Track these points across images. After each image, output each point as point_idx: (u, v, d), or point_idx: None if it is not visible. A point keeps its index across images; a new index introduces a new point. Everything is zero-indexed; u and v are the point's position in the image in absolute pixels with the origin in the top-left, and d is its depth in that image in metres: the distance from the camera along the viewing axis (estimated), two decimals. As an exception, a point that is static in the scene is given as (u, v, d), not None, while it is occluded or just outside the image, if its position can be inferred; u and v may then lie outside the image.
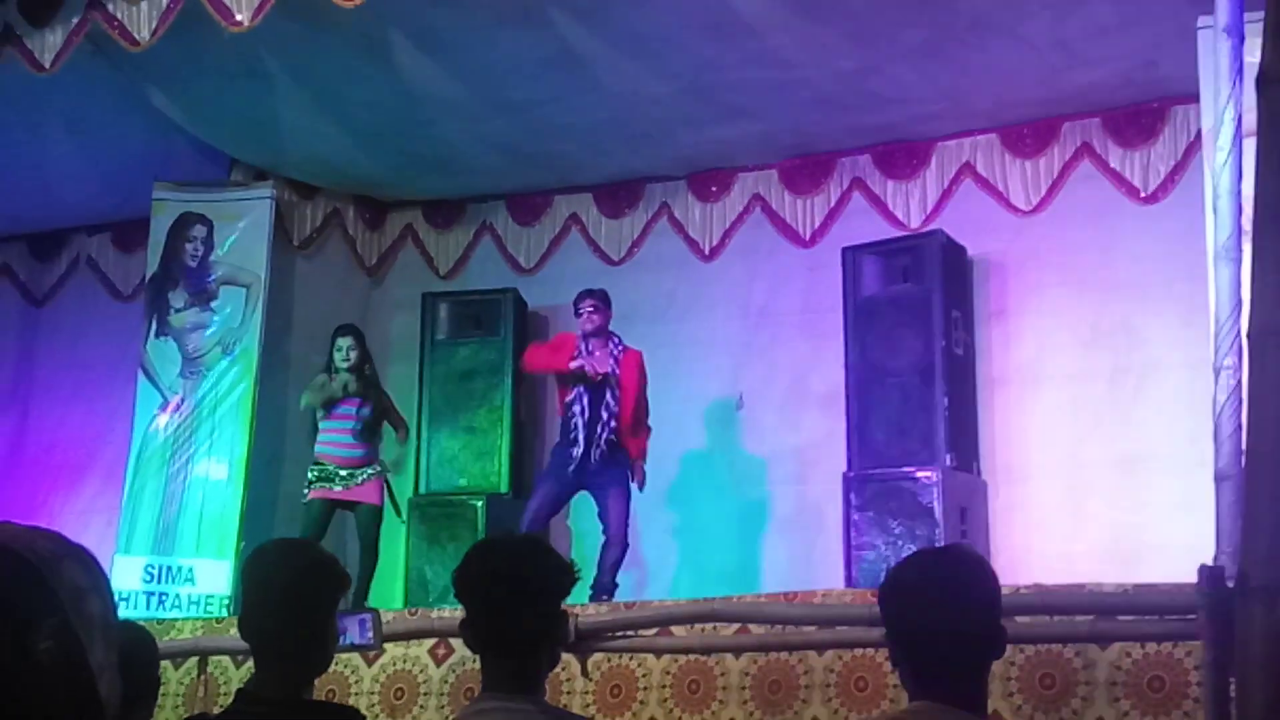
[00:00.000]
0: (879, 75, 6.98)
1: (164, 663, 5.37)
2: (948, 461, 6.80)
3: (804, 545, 7.39)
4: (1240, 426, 2.58)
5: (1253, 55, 3.01)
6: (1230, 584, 2.26)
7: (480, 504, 7.69)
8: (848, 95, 7.20)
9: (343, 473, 7.00)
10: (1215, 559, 3.90)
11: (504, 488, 7.86)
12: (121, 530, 7.83)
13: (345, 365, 7.10)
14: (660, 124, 7.62)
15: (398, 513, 7.27)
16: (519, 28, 6.62)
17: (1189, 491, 5.41)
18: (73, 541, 1.24)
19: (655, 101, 7.31)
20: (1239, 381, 4.01)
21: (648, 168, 8.27)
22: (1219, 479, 4.21)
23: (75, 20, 6.43)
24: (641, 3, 6.41)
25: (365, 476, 7.03)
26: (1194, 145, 6.62)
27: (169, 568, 7.65)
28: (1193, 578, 3.66)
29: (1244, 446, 2.32)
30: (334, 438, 7.07)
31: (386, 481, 7.16)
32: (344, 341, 7.13)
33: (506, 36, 6.71)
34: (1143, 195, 7.14)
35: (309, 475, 7.03)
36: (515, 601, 2.70)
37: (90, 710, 1.16)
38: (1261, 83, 2.41)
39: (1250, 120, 3.33)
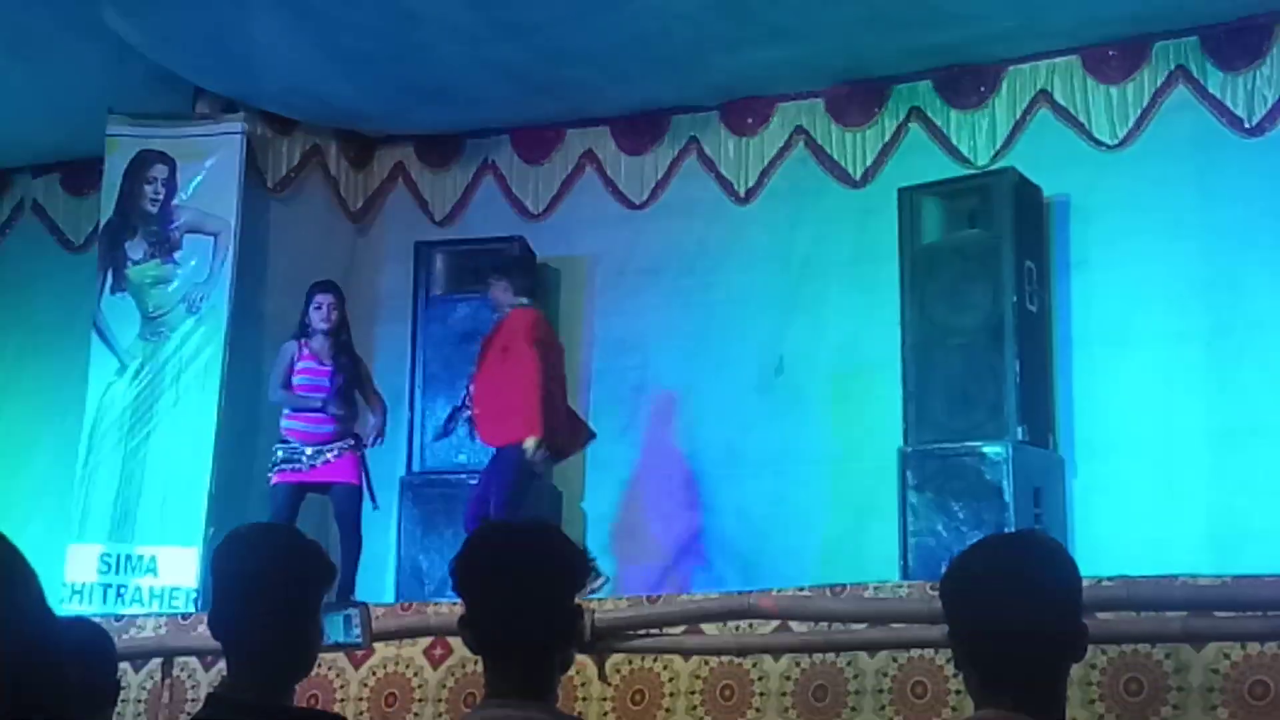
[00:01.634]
0: (940, -14, 6.95)
1: (123, 665, 5.40)
2: (1019, 435, 6.79)
3: (853, 531, 7.39)
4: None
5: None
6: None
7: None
8: (905, 11, 7.14)
9: (309, 450, 7.03)
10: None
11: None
12: (74, 514, 7.86)
13: (324, 327, 7.12)
14: (689, 46, 7.57)
15: (372, 499, 7.23)
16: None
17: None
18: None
19: (684, 20, 7.25)
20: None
21: (674, 97, 8.24)
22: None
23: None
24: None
25: (337, 452, 7.05)
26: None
27: (128, 556, 7.67)
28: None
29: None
30: (301, 411, 7.11)
31: (363, 459, 7.17)
32: (323, 299, 7.15)
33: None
34: (1247, 126, 7.11)
35: (274, 456, 7.08)
36: (522, 595, 2.70)
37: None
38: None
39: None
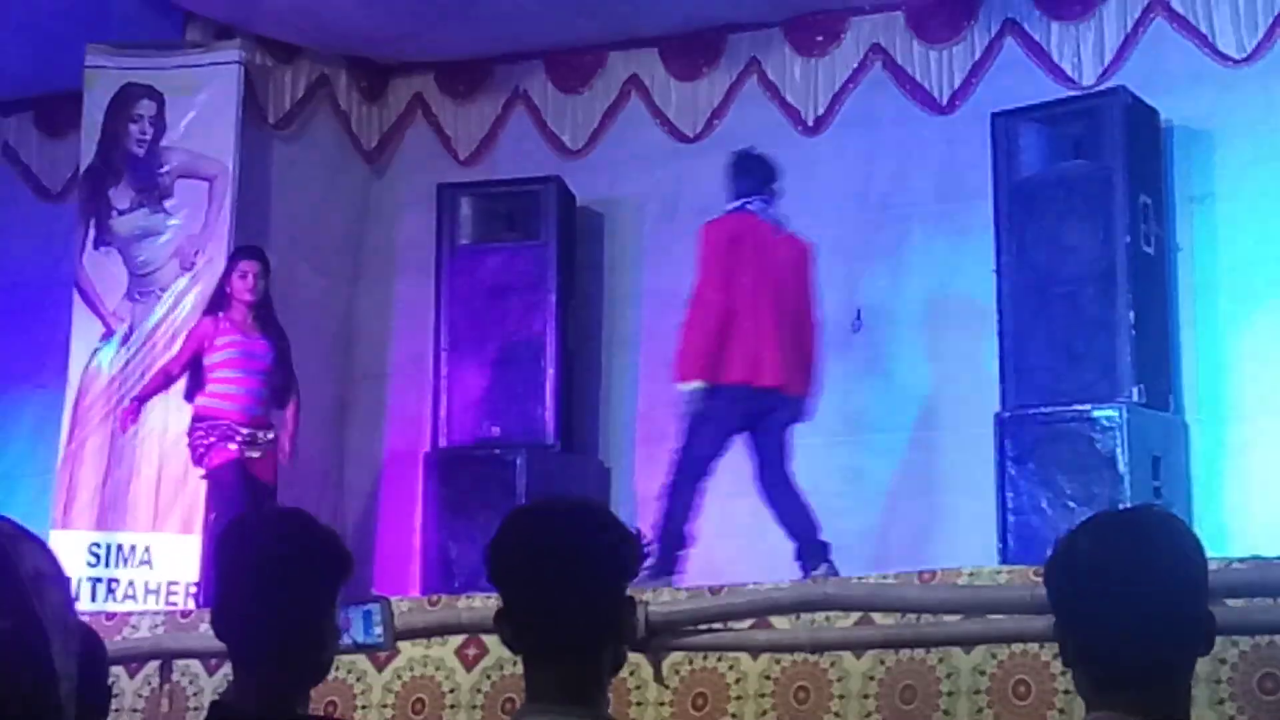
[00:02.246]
0: None
1: (116, 669, 5.45)
2: (1135, 396, 6.76)
3: (944, 509, 7.43)
4: None
5: None
6: None
7: (520, 459, 7.68)
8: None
9: (244, 432, 7.13)
10: None
11: (551, 438, 7.87)
12: (57, 498, 7.92)
13: (248, 299, 7.21)
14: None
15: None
16: None
17: None
18: (25, 527, 1.27)
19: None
20: None
21: (732, 12, 8.24)
22: None
23: None
24: None
25: (268, 445, 7.20)
26: None
27: (119, 547, 7.73)
28: None
29: None
30: (237, 389, 7.19)
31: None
32: (248, 267, 7.24)
33: None
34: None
35: (200, 437, 7.16)
36: (566, 584, 2.71)
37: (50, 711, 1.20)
38: None
39: None
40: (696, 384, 6.72)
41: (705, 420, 6.76)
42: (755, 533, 7.01)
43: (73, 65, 8.33)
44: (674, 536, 6.57)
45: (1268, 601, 4.57)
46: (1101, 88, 7.40)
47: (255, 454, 7.11)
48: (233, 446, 7.06)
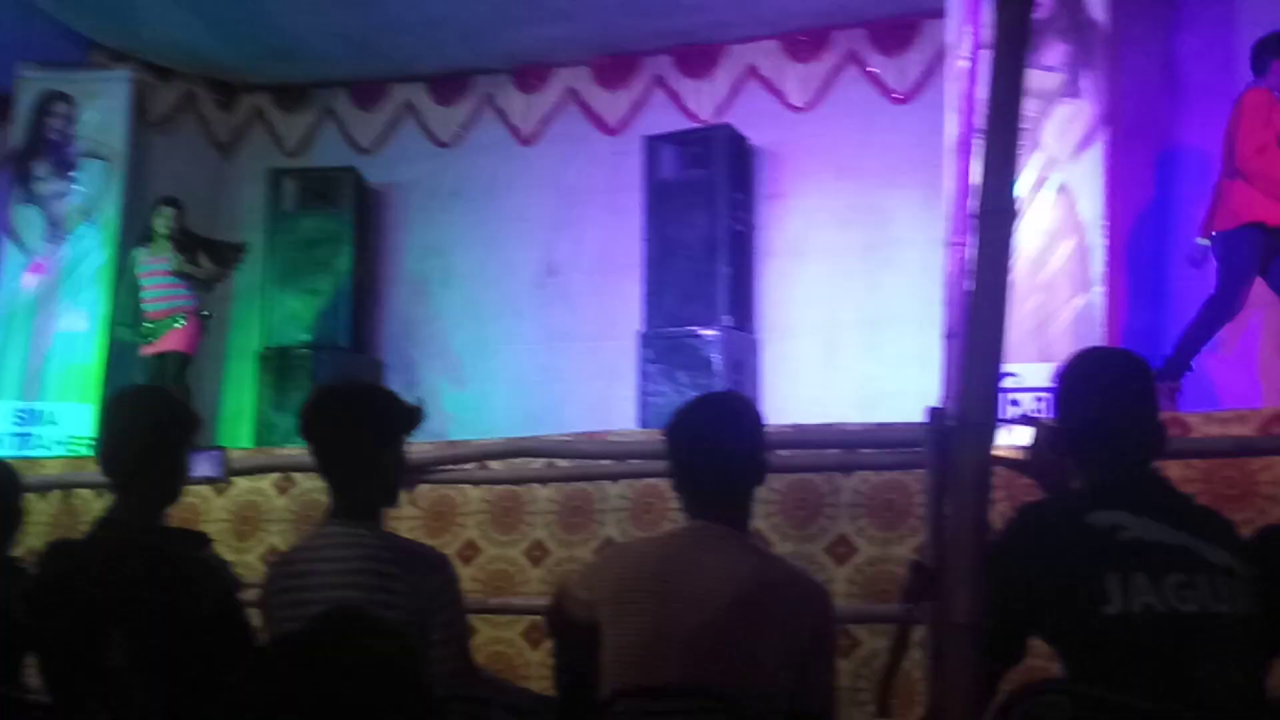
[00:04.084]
0: (678, -17, 6.95)
1: (30, 494, 5.18)
2: (726, 322, 6.91)
3: (603, 393, 7.43)
4: (966, 293, 2.66)
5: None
6: (951, 423, 2.33)
7: (320, 355, 7.59)
8: (651, 2, 7.14)
9: (150, 325, 6.94)
10: (941, 402, 4.06)
11: (344, 341, 7.76)
12: (-9, 376, 7.53)
13: (166, 233, 7.03)
14: (489, 22, 7.43)
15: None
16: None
17: (922, 348, 5.59)
18: None
19: (485, 1, 7.15)
20: (968, 256, 4.15)
21: (477, 61, 8.07)
22: (947, 337, 4.37)
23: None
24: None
25: (168, 328, 6.95)
26: (941, 55, 6.74)
27: (36, 412, 7.39)
28: (922, 418, 3.82)
29: (968, 309, 2.39)
30: (149, 294, 7.03)
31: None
32: (166, 210, 7.07)
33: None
34: (896, 96, 7.24)
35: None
36: (351, 445, 2.66)
37: None
38: (999, 1, 2.45)
39: (988, 35, 3.39)
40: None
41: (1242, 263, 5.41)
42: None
43: (5, 77, 7.87)
44: (1185, 361, 5.40)
45: (801, 452, 4.72)
46: (714, 123, 7.47)
47: (160, 337, 6.93)
48: (146, 342, 6.97)
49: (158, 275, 7.02)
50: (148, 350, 6.97)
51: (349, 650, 1.39)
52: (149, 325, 6.96)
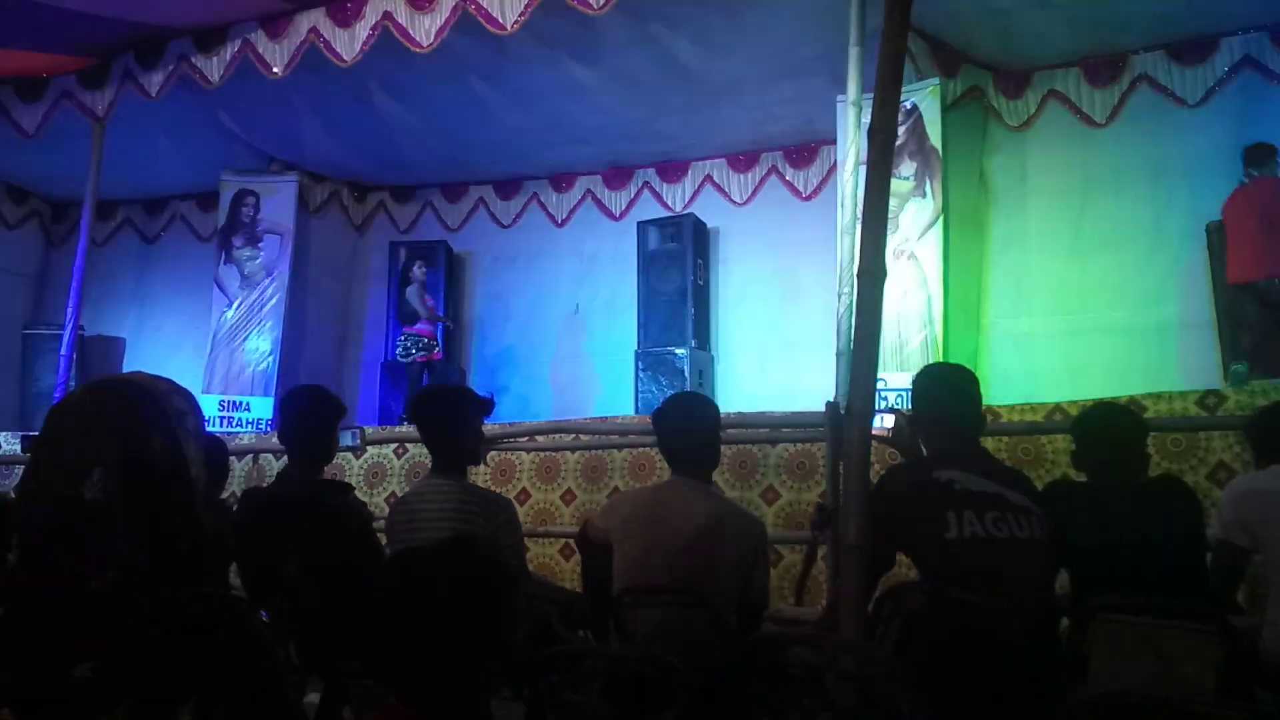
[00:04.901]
0: (660, 121, 6.88)
1: (232, 459, 5.16)
2: (693, 344, 6.87)
3: (611, 391, 7.34)
4: (850, 326, 2.66)
5: (866, 118, 3.06)
6: (842, 412, 2.33)
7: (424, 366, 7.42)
8: (642, 133, 7.09)
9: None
10: (835, 398, 4.06)
11: (440, 355, 7.54)
12: (205, 375, 7.43)
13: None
14: (534, 144, 7.37)
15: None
16: (449, 83, 6.35)
17: (823, 362, 5.57)
18: (181, 385, 1.21)
19: (529, 132, 7.08)
20: (851, 301, 4.15)
21: (527, 170, 7.99)
22: (839, 355, 4.37)
23: (170, 67, 6.00)
24: (525, 71, 6.19)
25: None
26: (833, 169, 6.76)
27: (235, 402, 7.33)
28: (823, 409, 3.82)
29: (853, 336, 2.39)
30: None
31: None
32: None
33: (441, 89, 6.43)
34: (804, 195, 7.18)
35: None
36: (441, 422, 2.65)
37: (186, 482, 1.14)
38: (870, 133, 2.45)
39: (863, 155, 3.40)
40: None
41: None
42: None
43: (214, 179, 7.81)
44: None
45: (744, 430, 4.71)
46: (683, 212, 7.41)
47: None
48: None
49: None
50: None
51: (468, 556, 1.38)
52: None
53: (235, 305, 7.60)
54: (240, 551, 2.60)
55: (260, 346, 7.47)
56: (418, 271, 7.23)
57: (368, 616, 1.31)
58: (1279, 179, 4.87)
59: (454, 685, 1.26)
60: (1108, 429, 2.57)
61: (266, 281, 7.61)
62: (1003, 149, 6.19)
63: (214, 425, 7.12)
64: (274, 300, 7.57)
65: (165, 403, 1.15)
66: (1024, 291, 5.96)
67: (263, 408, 7.23)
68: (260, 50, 5.69)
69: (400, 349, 7.07)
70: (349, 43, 5.45)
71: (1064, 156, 5.97)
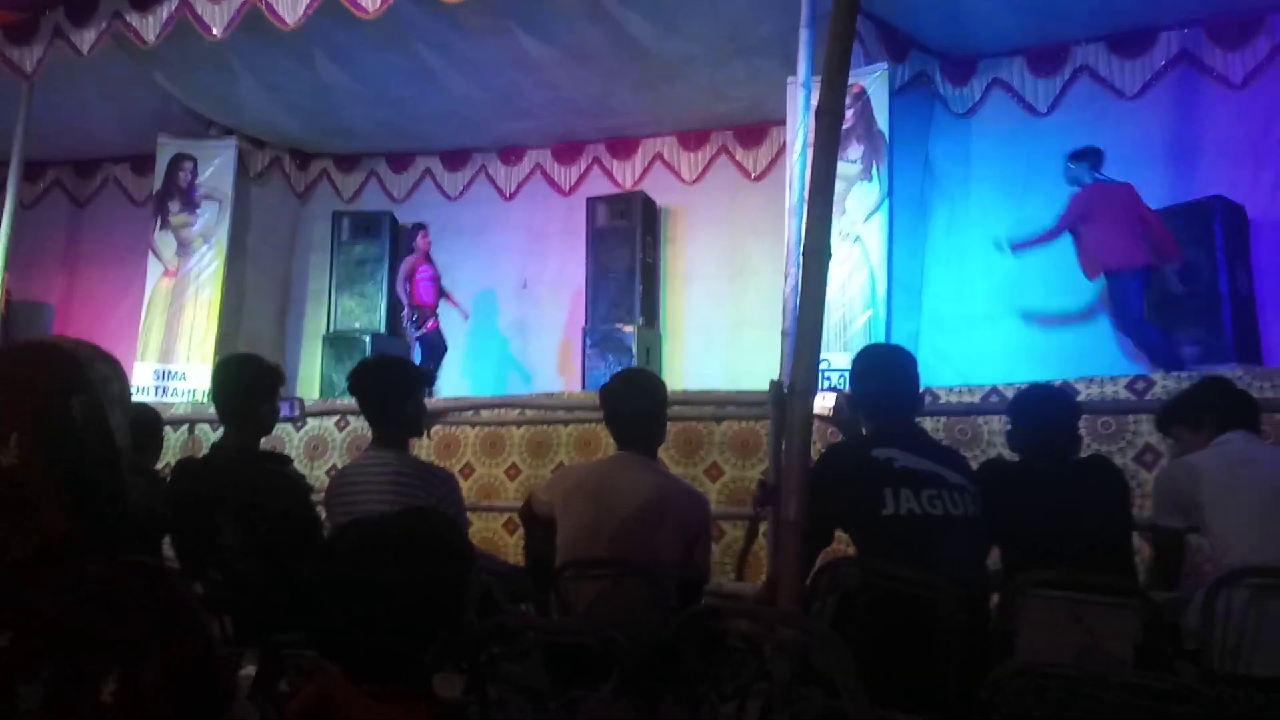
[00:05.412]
0: (611, 97, 6.80)
1: (167, 428, 5.02)
2: (640, 321, 6.86)
3: (560, 367, 7.35)
4: (795, 307, 2.68)
5: (816, 100, 3.07)
6: (786, 391, 2.35)
7: (368, 338, 7.32)
8: (593, 107, 7.00)
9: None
10: (779, 377, 4.11)
11: (383, 329, 7.52)
12: (139, 343, 7.21)
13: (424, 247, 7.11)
14: (482, 116, 7.23)
15: None
16: (396, 51, 6.19)
17: (769, 342, 5.60)
18: (105, 351, 1.16)
19: (478, 103, 6.95)
20: (797, 282, 4.18)
21: (474, 142, 7.85)
22: (785, 335, 4.41)
23: (104, 25, 5.76)
24: (475, 41, 6.07)
25: None
26: (783, 149, 6.78)
27: (170, 371, 7.13)
28: (767, 388, 3.86)
29: (797, 317, 2.41)
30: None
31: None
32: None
33: (387, 56, 6.26)
34: (754, 176, 7.18)
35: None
36: (381, 397, 2.61)
37: (110, 448, 1.09)
38: (818, 114, 2.46)
39: (812, 137, 3.42)
40: None
41: None
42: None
43: (152, 143, 7.53)
44: None
45: (690, 407, 4.74)
46: (633, 190, 7.36)
47: None
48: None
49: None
50: None
51: (421, 526, 1.36)
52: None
53: (171, 274, 7.37)
54: (174, 522, 2.53)
55: (197, 315, 7.26)
56: (421, 242, 7.04)
57: (318, 587, 1.29)
58: (1124, 185, 4.94)
59: (404, 656, 1.24)
60: (1041, 411, 2.64)
61: (204, 248, 7.38)
62: (948, 135, 6.28)
63: (149, 395, 6.91)
64: (212, 268, 7.34)
65: (87, 367, 1.10)
66: (965, 276, 6.07)
67: (199, 377, 7.03)
68: (199, 10, 5.49)
69: (415, 317, 6.84)
70: (292, 5, 5.29)
71: (1007, 144, 6.08)
